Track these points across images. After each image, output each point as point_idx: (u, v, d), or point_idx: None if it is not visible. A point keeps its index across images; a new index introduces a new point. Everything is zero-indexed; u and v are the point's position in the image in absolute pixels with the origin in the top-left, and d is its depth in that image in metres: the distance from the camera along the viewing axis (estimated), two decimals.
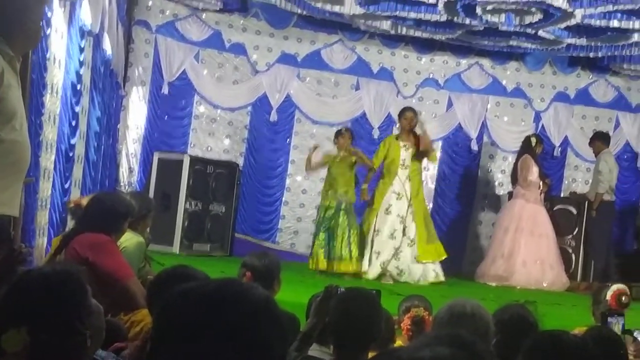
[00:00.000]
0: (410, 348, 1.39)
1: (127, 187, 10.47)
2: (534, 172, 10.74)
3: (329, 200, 9.58)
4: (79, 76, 6.74)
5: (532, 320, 3.69)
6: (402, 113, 9.93)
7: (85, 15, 6.74)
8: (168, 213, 9.98)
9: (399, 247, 9.53)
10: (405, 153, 9.72)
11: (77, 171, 7.26)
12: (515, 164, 10.98)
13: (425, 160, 10.14)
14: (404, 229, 9.58)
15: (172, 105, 11.18)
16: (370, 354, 3.41)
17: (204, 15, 11.29)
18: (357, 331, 3.28)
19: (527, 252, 10.54)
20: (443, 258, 9.84)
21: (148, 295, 3.70)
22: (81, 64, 6.80)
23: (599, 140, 11.27)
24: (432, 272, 9.68)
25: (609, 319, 4.55)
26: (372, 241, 9.56)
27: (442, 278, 9.71)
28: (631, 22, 9.55)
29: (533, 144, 10.89)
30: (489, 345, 3.13)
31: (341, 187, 9.56)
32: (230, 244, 10.88)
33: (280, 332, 1.57)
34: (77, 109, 6.84)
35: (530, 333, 3.31)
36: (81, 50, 6.78)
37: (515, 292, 9.48)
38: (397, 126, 10.30)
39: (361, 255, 9.50)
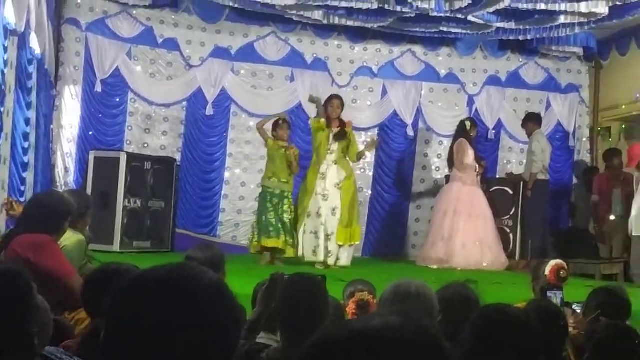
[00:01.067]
0: (361, 319, 1.43)
1: (63, 187, 10.33)
2: (469, 155, 10.88)
3: (272, 188, 9.75)
4: (3, 76, 6.62)
5: (474, 298, 3.78)
6: (329, 100, 9.95)
7: (9, 14, 6.62)
8: (107, 211, 9.88)
9: (329, 229, 9.63)
10: (332, 138, 9.79)
11: (3, 173, 7.13)
12: (452, 148, 11.11)
13: (365, 151, 10.25)
14: (333, 210, 9.66)
15: (106, 104, 11.07)
16: None
17: (134, 12, 11.20)
18: (303, 317, 3.31)
19: (466, 234, 10.69)
20: (353, 243, 9.87)
21: (83, 294, 3.70)
22: (5, 63, 6.68)
23: (531, 121, 11.48)
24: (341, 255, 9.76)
25: (548, 293, 4.67)
26: (305, 224, 9.64)
27: (343, 263, 9.73)
28: (557, 5, 9.74)
29: (468, 128, 11.03)
30: (434, 323, 3.19)
31: (284, 177, 9.75)
32: (171, 239, 10.81)
33: (233, 314, 1.59)
34: (2, 109, 6.72)
35: (473, 310, 3.39)
36: (5, 49, 6.66)
37: (456, 273, 9.60)
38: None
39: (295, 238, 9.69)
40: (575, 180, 12.77)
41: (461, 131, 11.05)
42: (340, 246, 9.67)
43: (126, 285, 1.57)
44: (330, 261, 9.60)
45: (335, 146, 9.76)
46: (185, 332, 1.49)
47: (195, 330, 1.50)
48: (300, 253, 9.65)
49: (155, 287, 1.53)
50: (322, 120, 9.81)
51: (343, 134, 9.75)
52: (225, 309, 1.56)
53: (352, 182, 9.94)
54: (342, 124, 9.81)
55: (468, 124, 11.11)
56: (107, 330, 1.55)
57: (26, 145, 7.90)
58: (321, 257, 9.56)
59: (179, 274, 1.57)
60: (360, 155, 10.08)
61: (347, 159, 9.89)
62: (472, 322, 2.75)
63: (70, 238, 5.09)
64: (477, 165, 11.00)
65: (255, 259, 9.72)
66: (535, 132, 11.34)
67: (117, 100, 11.16)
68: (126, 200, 10.18)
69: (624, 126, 12.65)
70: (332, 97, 10.00)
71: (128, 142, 11.13)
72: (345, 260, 9.73)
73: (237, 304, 1.61)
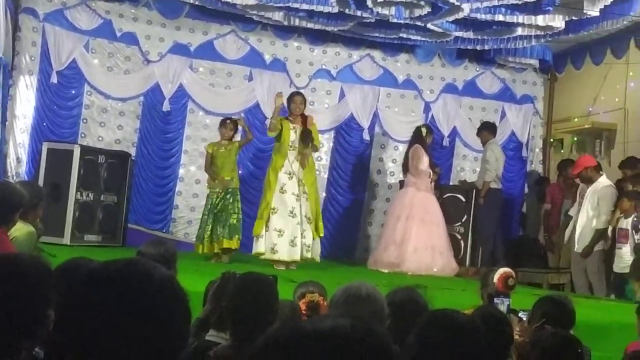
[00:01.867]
0: (311, 320, 1.45)
1: (15, 177, 10.20)
2: (424, 161, 10.97)
3: (217, 188, 9.90)
4: None
5: (423, 303, 3.82)
6: (291, 97, 10.04)
7: None
8: (58, 204, 9.80)
9: (303, 225, 9.67)
10: (294, 135, 9.84)
11: None
12: (407, 154, 11.19)
13: (318, 152, 10.33)
14: (300, 207, 9.72)
15: (61, 95, 10.95)
16: None
17: (93, 4, 11.10)
18: (253, 315, 3.32)
19: (418, 239, 10.77)
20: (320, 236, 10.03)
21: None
22: None
23: (486, 130, 11.61)
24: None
25: (495, 300, 4.74)
26: (269, 219, 9.67)
27: (317, 258, 9.93)
28: (515, 17, 9.88)
29: (424, 134, 11.12)
30: (383, 326, 3.22)
31: (227, 175, 9.91)
32: (122, 234, 10.76)
33: (183, 309, 1.60)
34: None
35: (421, 314, 3.43)
36: None
37: (407, 277, 9.68)
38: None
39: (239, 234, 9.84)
40: (526, 190, 12.93)
41: (417, 137, 11.13)
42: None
43: (78, 278, 1.58)
44: (309, 255, 9.74)
45: (296, 143, 9.82)
46: (135, 327, 1.50)
47: (145, 325, 1.51)
48: (260, 249, 9.65)
49: (107, 282, 1.54)
50: (281, 118, 9.93)
51: (308, 136, 9.83)
52: (175, 305, 1.58)
53: (314, 176, 10.13)
54: (304, 120, 9.88)
55: (424, 130, 11.20)
56: (58, 321, 1.56)
57: None
58: (282, 256, 9.61)
59: (131, 269, 1.58)
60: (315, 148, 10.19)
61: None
62: (418, 326, 2.79)
63: (20, 229, 5.05)
64: (432, 172, 11.08)
65: (207, 256, 9.73)
66: (489, 141, 11.47)
67: (73, 92, 11.05)
68: (78, 193, 10.10)
69: (575, 138, 12.88)
70: (293, 94, 10.13)
71: (82, 135, 11.03)
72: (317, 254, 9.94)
73: (187, 300, 1.62)
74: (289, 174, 9.79)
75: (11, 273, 2.40)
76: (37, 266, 2.51)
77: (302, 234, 9.69)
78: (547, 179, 12.65)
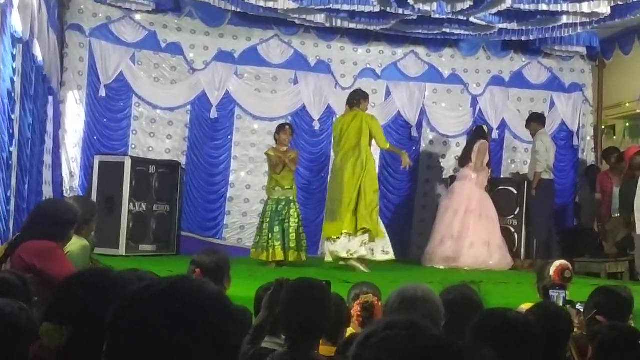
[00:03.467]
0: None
1: (69, 192, 10.39)
2: (487, 158, 11.06)
3: (277, 195, 9.85)
4: (12, 84, 6.67)
5: (477, 299, 3.79)
6: (366, 98, 10.20)
7: (16, 22, 6.66)
8: (112, 215, 9.94)
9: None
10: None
11: (13, 179, 7.17)
12: (470, 147, 11.15)
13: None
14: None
15: (110, 108, 11.11)
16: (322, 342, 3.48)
17: (137, 17, 11.24)
18: (308, 321, 3.33)
19: (475, 234, 10.74)
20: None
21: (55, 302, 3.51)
22: (14, 71, 6.72)
23: (535, 121, 11.50)
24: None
25: (551, 292, 4.69)
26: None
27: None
28: (559, 5, 9.75)
29: (486, 132, 11.25)
30: (439, 328, 3.21)
31: (287, 183, 9.88)
32: (176, 242, 10.87)
33: (233, 324, 1.61)
34: (13, 116, 6.78)
35: (476, 312, 3.41)
36: (13, 58, 6.71)
37: (462, 273, 9.63)
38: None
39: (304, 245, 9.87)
40: (580, 179, 12.77)
41: (480, 133, 11.21)
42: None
43: (128, 299, 1.59)
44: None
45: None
46: (189, 344, 1.52)
47: (199, 341, 1.52)
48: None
49: (157, 300, 1.56)
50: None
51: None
52: (225, 319, 1.58)
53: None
54: None
55: (486, 128, 11.31)
56: (111, 344, 1.57)
57: (28, 151, 7.94)
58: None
59: (179, 286, 1.59)
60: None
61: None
62: (472, 327, 2.77)
63: (74, 244, 5.12)
64: (489, 170, 11.16)
65: (261, 261, 9.76)
66: (539, 131, 11.37)
67: (122, 104, 11.20)
68: (131, 204, 10.23)
69: (628, 124, 12.67)
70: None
71: (133, 146, 11.17)
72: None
73: (237, 313, 1.63)
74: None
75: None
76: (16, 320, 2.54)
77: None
78: (597, 167, 12.47)
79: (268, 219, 9.81)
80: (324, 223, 10.14)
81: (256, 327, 3.55)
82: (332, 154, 10.87)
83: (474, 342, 2.72)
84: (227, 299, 1.63)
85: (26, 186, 7.86)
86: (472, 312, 3.37)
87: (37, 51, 8.01)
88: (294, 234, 9.78)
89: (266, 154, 10.14)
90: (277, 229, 9.72)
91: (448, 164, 12.15)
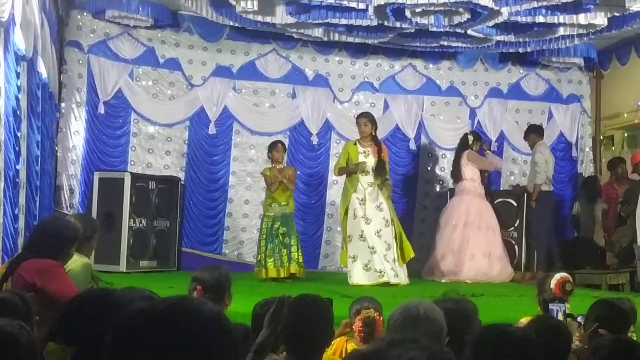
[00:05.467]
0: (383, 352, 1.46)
1: (69, 209, 10.39)
2: (477, 167, 11.01)
3: (273, 212, 9.89)
4: (18, 101, 6.69)
5: (471, 312, 3.79)
6: (357, 120, 10.14)
7: (19, 40, 6.68)
8: (113, 232, 9.93)
9: (381, 249, 9.64)
10: (365, 159, 9.82)
11: (22, 197, 7.19)
12: (457, 162, 11.14)
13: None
14: (377, 232, 9.68)
15: (109, 125, 11.11)
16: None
17: (136, 33, 11.25)
18: (310, 336, 3.34)
19: (475, 246, 10.74)
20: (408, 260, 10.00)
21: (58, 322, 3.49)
22: (19, 89, 6.75)
23: (533, 133, 11.52)
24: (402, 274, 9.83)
25: (551, 306, 4.70)
26: (347, 247, 9.73)
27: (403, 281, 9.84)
28: (556, 17, 9.78)
29: (470, 142, 11.11)
30: (443, 347, 3.20)
31: (283, 200, 9.90)
32: (177, 258, 10.88)
33: (232, 345, 1.61)
34: (19, 134, 6.80)
35: (470, 326, 3.42)
36: (18, 75, 6.73)
37: (463, 286, 9.63)
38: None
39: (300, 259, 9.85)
40: (576, 191, 12.78)
41: (464, 144, 11.11)
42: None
43: (127, 319, 1.60)
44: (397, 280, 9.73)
45: (370, 168, 9.81)
46: None
47: None
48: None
49: (156, 322, 1.56)
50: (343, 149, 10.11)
51: (383, 168, 9.86)
52: (223, 340, 1.59)
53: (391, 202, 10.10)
54: (376, 144, 9.93)
55: (471, 138, 11.18)
56: None
57: (38, 169, 7.96)
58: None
59: (179, 308, 1.60)
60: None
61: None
62: (472, 343, 2.77)
63: (76, 262, 5.12)
64: (482, 177, 11.10)
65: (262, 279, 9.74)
66: (538, 143, 11.37)
67: (121, 121, 11.21)
68: (132, 221, 10.23)
69: (626, 135, 12.69)
70: (359, 117, 10.21)
71: (132, 163, 11.17)
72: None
73: (237, 334, 1.64)
74: (361, 200, 9.76)
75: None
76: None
77: (385, 258, 9.65)
78: (596, 177, 12.48)
79: (264, 237, 9.83)
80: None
81: (258, 345, 3.54)
82: (331, 167, 10.97)
83: (474, 358, 2.72)
84: (227, 320, 1.64)
85: (37, 204, 7.88)
86: (466, 327, 3.38)
87: (42, 68, 8.04)
88: (296, 247, 9.80)
89: (262, 173, 10.19)
90: (271, 246, 9.73)
91: (447, 177, 12.15)
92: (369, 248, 9.63)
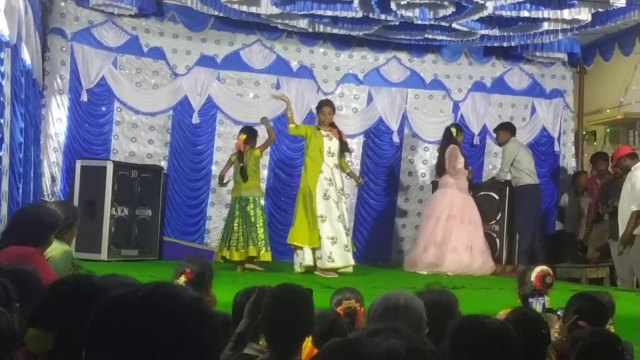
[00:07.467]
0: (364, 341, 1.47)
1: (51, 196, 10.35)
2: (461, 160, 10.98)
3: (238, 196, 9.85)
4: (1, 88, 6.65)
5: (449, 305, 3.81)
6: (319, 108, 10.07)
7: (3, 26, 6.64)
8: (94, 220, 9.90)
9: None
10: (329, 142, 9.83)
11: (4, 184, 7.15)
12: (442, 155, 11.13)
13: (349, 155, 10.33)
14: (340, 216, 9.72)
15: (92, 113, 11.06)
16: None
17: (120, 21, 11.20)
18: (289, 325, 3.34)
19: (457, 239, 10.75)
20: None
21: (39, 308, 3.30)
22: (2, 75, 6.71)
23: (502, 129, 11.52)
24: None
25: (530, 299, 4.72)
26: (319, 229, 9.62)
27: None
28: (540, 12, 9.82)
29: (454, 134, 11.09)
30: (422, 336, 3.22)
31: (250, 181, 9.80)
32: (159, 247, 10.85)
33: (212, 331, 1.61)
34: (2, 121, 6.76)
35: (450, 317, 3.44)
36: (1, 61, 6.69)
37: (445, 279, 9.66)
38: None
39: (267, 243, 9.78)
40: (560, 185, 12.83)
41: (448, 137, 11.10)
42: None
43: (108, 304, 1.60)
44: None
45: (335, 150, 9.83)
46: (167, 351, 1.52)
47: (177, 348, 1.53)
48: (309, 262, 9.63)
49: (136, 307, 1.56)
50: (306, 126, 10.04)
51: (346, 148, 10.11)
52: (204, 326, 1.59)
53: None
54: (337, 131, 9.95)
55: (454, 130, 11.16)
56: (89, 350, 1.57)
57: (21, 155, 7.91)
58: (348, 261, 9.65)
59: (159, 293, 1.59)
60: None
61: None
62: (450, 333, 2.79)
63: (56, 249, 5.10)
64: (467, 171, 11.09)
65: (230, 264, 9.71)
66: (510, 140, 11.39)
67: (103, 109, 11.16)
68: (113, 209, 10.19)
69: (608, 130, 12.76)
70: (322, 104, 10.13)
71: (114, 151, 11.13)
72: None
73: (217, 319, 1.64)
74: (329, 180, 9.76)
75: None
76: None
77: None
78: (584, 172, 12.54)
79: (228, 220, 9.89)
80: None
81: (238, 334, 3.55)
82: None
83: (452, 348, 2.74)
84: (206, 306, 1.64)
85: (20, 191, 7.83)
86: (448, 317, 3.40)
87: (25, 55, 8.00)
88: (262, 233, 9.73)
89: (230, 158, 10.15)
90: (237, 230, 9.69)
91: (429, 170, 12.18)
92: (344, 229, 9.66)
